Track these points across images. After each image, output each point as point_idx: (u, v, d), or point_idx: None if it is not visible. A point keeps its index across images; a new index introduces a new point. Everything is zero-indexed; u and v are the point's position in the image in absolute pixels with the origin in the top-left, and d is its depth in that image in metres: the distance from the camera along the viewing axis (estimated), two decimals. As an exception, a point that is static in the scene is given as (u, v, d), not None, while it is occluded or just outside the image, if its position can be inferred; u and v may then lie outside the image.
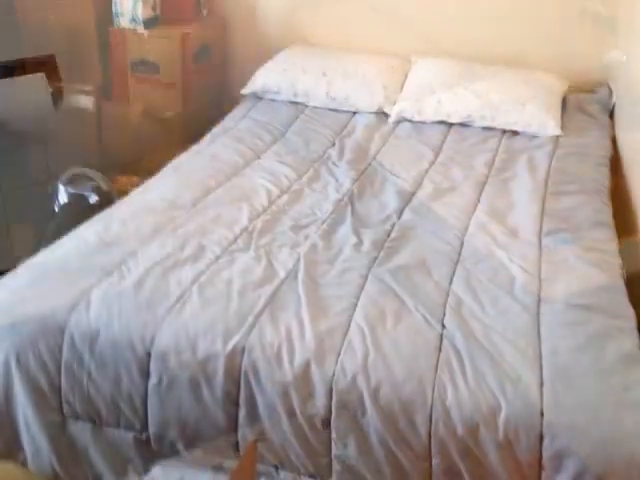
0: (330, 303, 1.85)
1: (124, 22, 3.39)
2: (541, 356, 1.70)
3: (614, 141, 2.90)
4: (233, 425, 1.73)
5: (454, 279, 1.98)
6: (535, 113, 2.91)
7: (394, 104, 3.11)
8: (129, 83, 3.42)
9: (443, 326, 1.78)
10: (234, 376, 1.70)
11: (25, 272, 1.96)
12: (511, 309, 1.85)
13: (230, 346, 1.72)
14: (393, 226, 2.24)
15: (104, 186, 2.92)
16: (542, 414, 1.56)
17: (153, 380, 1.74)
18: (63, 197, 2.89)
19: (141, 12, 3.35)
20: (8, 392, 1.82)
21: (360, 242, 2.14)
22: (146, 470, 1.79)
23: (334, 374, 1.66)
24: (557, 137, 2.86)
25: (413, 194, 2.46)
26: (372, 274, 1.98)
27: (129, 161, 3.40)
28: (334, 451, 1.68)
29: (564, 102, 3.12)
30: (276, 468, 1.74)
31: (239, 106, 3.26)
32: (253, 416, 1.71)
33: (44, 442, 1.83)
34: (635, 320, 1.83)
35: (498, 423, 1.56)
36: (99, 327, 1.78)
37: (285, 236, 2.16)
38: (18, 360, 1.79)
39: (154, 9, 3.44)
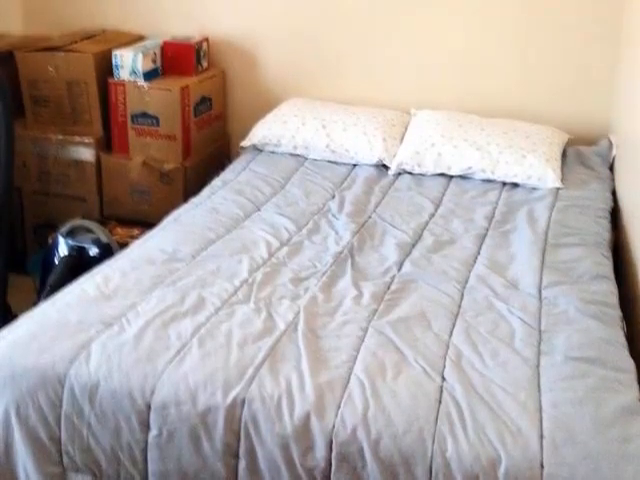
0: (330, 355, 1.90)
1: (124, 74, 3.47)
2: (541, 408, 1.74)
3: (614, 194, 2.97)
4: (233, 477, 1.77)
5: (454, 331, 2.03)
6: (535, 165, 2.99)
7: (394, 156, 3.19)
8: (129, 135, 3.49)
9: (443, 378, 1.83)
10: (234, 428, 1.75)
11: (25, 324, 2.01)
12: (511, 361, 1.90)
13: (230, 398, 1.76)
14: (393, 278, 2.30)
15: (104, 238, 2.98)
16: (542, 466, 1.60)
17: (153, 432, 1.79)
18: (63, 249, 2.95)
19: (141, 65, 3.43)
20: (8, 443, 1.86)
21: (360, 294, 2.20)
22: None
23: (334, 426, 1.70)
24: (557, 189, 2.93)
25: (413, 246, 2.53)
26: (372, 326, 2.03)
27: (129, 213, 3.48)
28: (334, 503, 1.71)
29: (564, 154, 3.21)
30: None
31: (239, 158, 3.35)
32: (253, 468, 1.75)
33: (44, 494, 1.87)
34: (635, 373, 1.88)
35: (498, 475, 1.60)
36: (99, 379, 1.83)
37: (285, 288, 2.22)
38: (18, 412, 1.84)
39: (154, 62, 3.54)
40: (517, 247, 2.52)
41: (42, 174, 3.56)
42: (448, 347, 1.96)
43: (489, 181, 3.05)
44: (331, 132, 3.27)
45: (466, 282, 2.30)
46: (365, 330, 2.02)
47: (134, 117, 3.47)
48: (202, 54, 3.67)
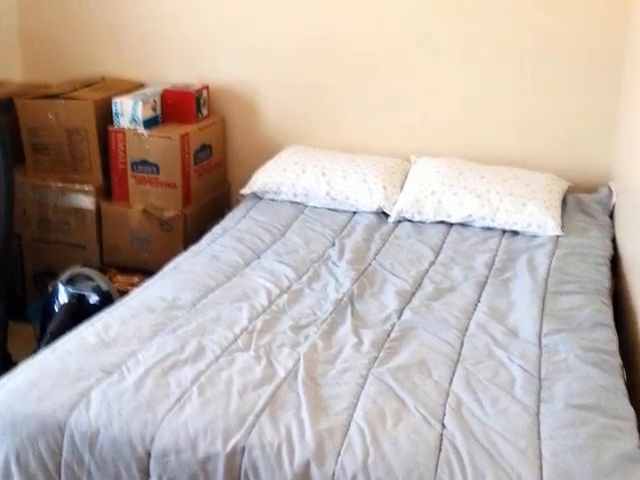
0: (330, 403, 1.94)
1: (124, 122, 3.53)
2: (541, 456, 1.77)
3: (614, 241, 3.02)
4: (233, 525, 1.79)
5: (454, 379, 2.07)
6: (535, 213, 3.04)
7: (394, 204, 3.24)
8: (129, 183, 3.55)
9: (443, 426, 1.86)
10: (234, 475, 1.78)
11: (25, 371, 2.05)
12: (511, 409, 1.93)
13: (230, 446, 1.79)
14: (393, 326, 2.35)
15: (104, 286, 3.03)
16: (542, 514, 1.63)
17: (153, 479, 1.82)
18: (63, 297, 2.99)
19: (141, 112, 3.49)
20: (8, 491, 1.89)
21: (360, 342, 2.24)
22: None
23: (334, 474, 1.74)
24: (557, 237, 2.98)
25: (413, 294, 2.58)
26: (372, 374, 2.07)
27: (129, 261, 3.52)
28: None
29: (564, 202, 3.27)
30: None
31: (239, 206, 3.41)
32: (253, 516, 1.78)
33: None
34: (635, 420, 1.91)
35: (499, 523, 1.63)
36: (99, 426, 1.86)
37: (285, 336, 2.27)
38: (18, 459, 1.87)
39: (154, 109, 3.60)
40: (517, 295, 2.56)
41: (42, 221, 3.61)
42: (448, 395, 1.99)
43: (489, 229, 3.10)
44: (331, 180, 3.33)
45: (466, 330, 2.34)
46: (365, 377, 2.05)
47: (134, 165, 3.52)
48: (202, 102, 3.74)
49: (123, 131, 3.53)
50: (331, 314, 2.40)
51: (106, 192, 3.61)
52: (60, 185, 3.56)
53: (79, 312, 2.86)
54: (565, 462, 1.74)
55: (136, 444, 1.83)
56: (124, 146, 3.53)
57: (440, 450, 1.78)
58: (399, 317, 2.41)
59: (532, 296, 2.53)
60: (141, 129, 3.51)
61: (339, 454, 1.77)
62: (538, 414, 1.92)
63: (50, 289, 3.11)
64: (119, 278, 3.36)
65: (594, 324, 2.35)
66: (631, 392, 2.06)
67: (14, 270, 3.60)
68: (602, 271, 2.73)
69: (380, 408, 1.92)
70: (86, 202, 3.53)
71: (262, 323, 2.33)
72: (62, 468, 1.86)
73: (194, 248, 2.91)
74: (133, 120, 3.52)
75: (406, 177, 3.43)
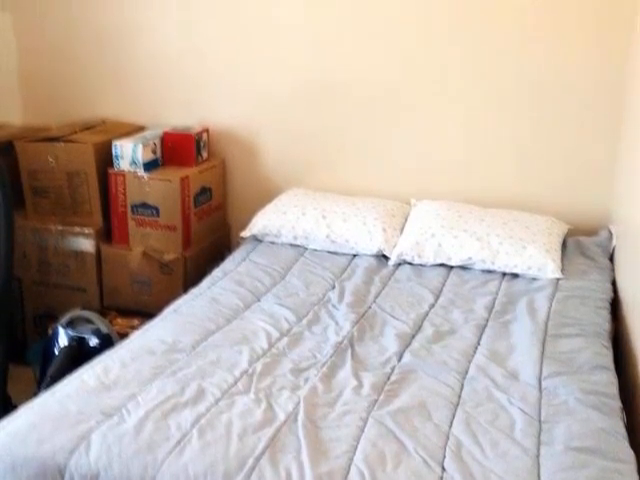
0: (330, 446, 1.97)
1: (124, 165, 3.58)
2: (541, 499, 1.80)
3: (614, 284, 3.05)
4: None
5: (454, 422, 2.10)
6: (535, 256, 3.07)
7: (394, 247, 3.29)
8: (129, 225, 3.59)
9: (443, 469, 1.89)
10: (234, 519, 1.81)
11: (25, 414, 2.08)
12: (511, 452, 1.96)
13: (230, 488, 1.82)
14: (393, 369, 2.38)
15: (104, 329, 3.06)
16: None
17: (153, 522, 1.84)
18: (63, 340, 3.03)
19: (141, 155, 3.54)
20: (6, 535, 1.91)
21: (360, 385, 2.27)
22: None
23: (334, 517, 1.76)
24: (557, 280, 3.02)
25: (413, 337, 2.61)
26: (372, 417, 2.10)
27: (129, 303, 3.56)
28: None
29: (564, 244, 3.31)
30: None
31: (239, 249, 3.45)
32: None
33: None
34: (635, 464, 1.93)
35: None
36: (99, 469, 1.89)
37: (285, 379, 2.30)
38: (18, 502, 1.90)
39: (154, 152, 3.65)
40: (517, 337, 2.60)
41: (42, 264, 3.65)
42: (448, 437, 2.02)
43: (489, 271, 3.14)
44: (331, 222, 3.38)
45: (466, 372, 2.37)
46: (365, 420, 2.09)
47: (134, 207, 3.57)
48: (202, 144, 3.79)
49: (123, 174, 3.58)
50: (331, 357, 2.44)
51: (106, 235, 3.66)
52: (60, 228, 3.60)
53: (79, 355, 2.90)
54: (565, 505, 1.77)
55: (136, 487, 1.86)
56: (124, 189, 3.58)
57: (440, 493, 1.81)
58: (399, 360, 2.44)
59: (532, 339, 2.56)
60: (141, 172, 3.56)
61: (339, 497, 1.80)
62: (538, 457, 1.95)
63: (50, 332, 3.14)
64: (119, 321, 3.40)
65: (594, 367, 2.37)
66: (631, 435, 2.08)
67: (14, 313, 3.65)
68: (602, 314, 2.76)
69: (380, 451, 1.95)
70: (86, 245, 3.58)
71: (262, 366, 2.36)
72: (62, 511, 1.89)
73: (194, 291, 2.96)
74: (133, 163, 3.57)
75: (406, 220, 3.48)
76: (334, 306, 2.86)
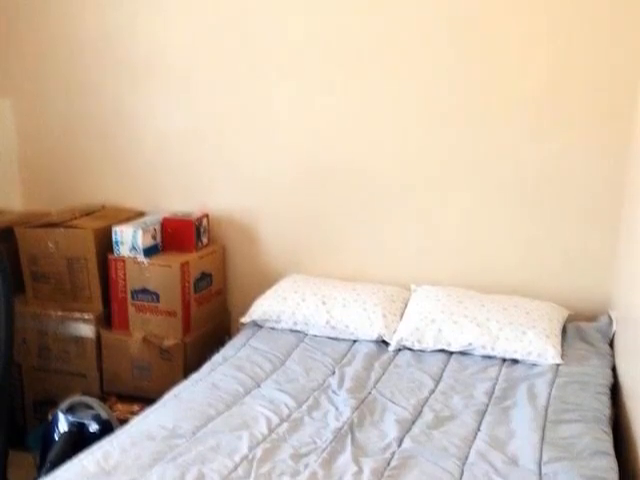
0: (330, 531, 2.03)
1: (124, 250, 3.66)
2: None
3: (614, 369, 3.10)
4: None
5: (454, 507, 2.16)
6: (535, 342, 3.13)
7: (394, 332, 3.35)
8: (129, 311, 3.66)
9: None
10: None
11: (26, 500, 2.15)
12: (511, 537, 2.02)
13: None
14: (393, 454, 2.43)
15: (104, 414, 3.11)
16: None
17: None
18: (63, 425, 3.07)
19: (141, 241, 3.62)
20: None
21: (360, 471, 2.32)
22: None
23: None
24: (557, 365, 3.07)
25: (413, 422, 2.67)
26: (372, 502, 2.16)
27: (129, 389, 3.60)
28: None
29: (564, 330, 3.36)
30: None
31: (239, 334, 3.51)
32: None
33: None
34: None
35: None
36: None
37: (285, 464, 2.35)
38: None
39: (154, 238, 3.73)
40: (517, 423, 2.65)
41: (42, 350, 3.71)
42: (448, 523, 2.09)
43: (489, 357, 3.20)
44: (331, 308, 3.45)
45: (466, 458, 2.43)
46: (365, 505, 2.15)
47: (134, 293, 3.65)
48: (202, 230, 3.87)
49: (123, 259, 3.66)
50: (331, 442, 2.49)
51: (106, 320, 3.72)
52: (60, 314, 3.67)
53: (79, 441, 2.94)
54: None
55: None
56: (124, 274, 3.65)
57: None
58: (399, 445, 2.50)
59: (532, 424, 2.62)
60: (141, 257, 3.64)
61: None
62: (538, 542, 2.01)
63: (50, 417, 3.18)
64: (119, 406, 3.44)
65: (594, 452, 2.42)
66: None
67: (14, 398, 3.69)
68: (602, 400, 2.80)
69: (380, 536, 2.00)
70: (86, 330, 3.64)
71: (262, 452, 2.41)
72: None
73: (194, 376, 3.02)
74: (133, 248, 3.65)
75: (406, 305, 3.54)
76: (334, 392, 2.92)
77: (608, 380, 2.99)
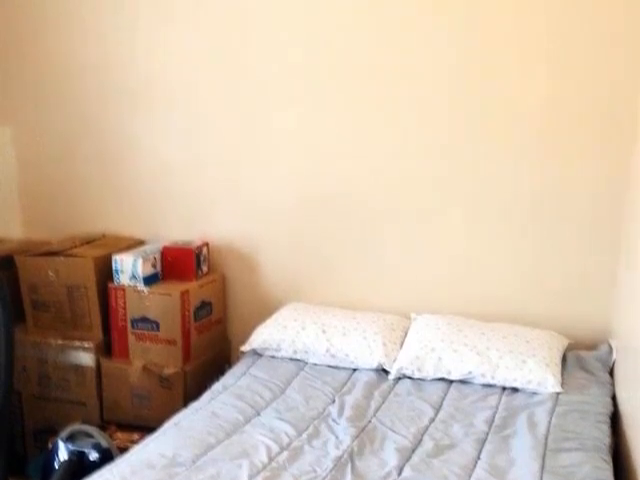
0: None
1: (124, 279, 3.69)
2: None
3: (614, 398, 3.11)
4: None
5: (454, 536, 2.18)
6: (535, 370, 3.15)
7: (394, 361, 3.37)
8: (129, 339, 3.68)
9: None
10: None
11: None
12: None
13: None
14: (393, 483, 2.45)
15: (104, 443, 3.12)
16: None
17: None
18: (63, 454, 3.08)
19: (141, 269, 3.65)
20: None
21: (360, 499, 2.35)
22: None
23: None
24: (557, 394, 3.08)
25: (413, 451, 2.68)
26: (372, 531, 2.18)
27: (129, 417, 3.61)
28: None
29: (564, 359, 3.38)
30: None
31: (239, 363, 3.53)
32: None
33: None
34: None
35: None
36: None
37: (285, 493, 2.37)
38: None
39: (154, 266, 3.76)
40: (517, 451, 2.66)
41: (42, 378, 3.72)
42: None
43: (489, 385, 3.21)
44: (331, 337, 3.48)
45: (466, 486, 2.45)
46: (365, 535, 2.16)
47: (134, 322, 3.67)
48: (202, 259, 3.90)
49: (123, 288, 3.68)
50: (331, 471, 2.51)
51: (106, 348, 3.74)
52: (60, 342, 3.69)
53: (79, 469, 2.96)
54: None
55: None
56: (124, 303, 3.68)
57: None
58: (399, 474, 2.51)
59: (532, 453, 2.63)
60: (141, 286, 3.66)
61: None
62: None
63: (50, 446, 3.20)
64: (119, 435, 3.45)
65: (594, 481, 2.43)
66: None
67: (14, 427, 3.70)
68: (602, 428, 2.82)
69: None
70: (86, 359, 3.66)
71: (262, 480, 2.43)
72: None
73: (194, 405, 3.04)
74: (133, 277, 3.67)
75: (406, 334, 3.56)
76: (334, 420, 2.93)
77: (608, 409, 3.00)
